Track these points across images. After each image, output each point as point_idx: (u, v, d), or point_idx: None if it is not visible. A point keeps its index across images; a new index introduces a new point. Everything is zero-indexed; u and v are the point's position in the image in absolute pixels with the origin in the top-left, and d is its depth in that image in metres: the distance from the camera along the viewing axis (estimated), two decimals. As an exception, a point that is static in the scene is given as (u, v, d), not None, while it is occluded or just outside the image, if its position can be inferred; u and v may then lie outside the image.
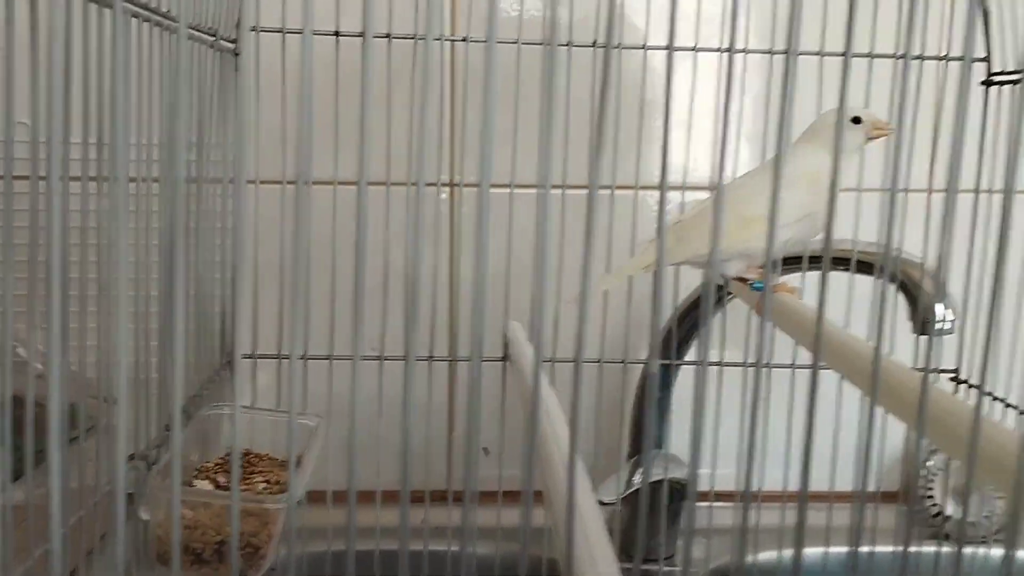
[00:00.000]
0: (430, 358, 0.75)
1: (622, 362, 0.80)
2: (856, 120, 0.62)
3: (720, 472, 0.78)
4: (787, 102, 0.31)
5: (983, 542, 0.79)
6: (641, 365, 0.81)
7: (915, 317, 0.72)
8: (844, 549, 0.79)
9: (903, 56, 0.32)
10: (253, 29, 0.68)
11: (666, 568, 0.83)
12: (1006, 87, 0.72)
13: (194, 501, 0.52)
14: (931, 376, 0.78)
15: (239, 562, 0.52)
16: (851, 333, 0.53)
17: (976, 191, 0.73)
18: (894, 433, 0.80)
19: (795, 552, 0.31)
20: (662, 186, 0.32)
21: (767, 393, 0.77)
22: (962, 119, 0.32)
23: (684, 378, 0.82)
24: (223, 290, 0.69)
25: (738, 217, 0.61)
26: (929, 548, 0.78)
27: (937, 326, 0.72)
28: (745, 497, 0.33)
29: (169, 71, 0.50)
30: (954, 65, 0.72)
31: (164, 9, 0.50)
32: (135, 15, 0.47)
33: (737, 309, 0.82)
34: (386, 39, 0.70)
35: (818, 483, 0.73)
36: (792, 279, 0.77)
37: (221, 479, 0.57)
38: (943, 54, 0.72)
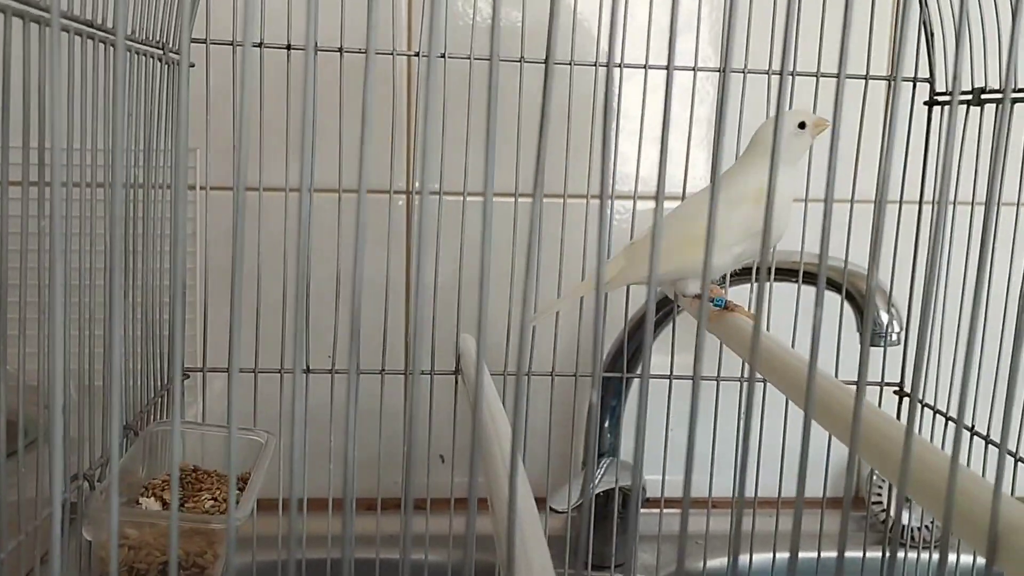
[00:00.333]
0: (382, 371, 0.75)
1: (573, 375, 0.81)
2: (802, 125, 0.63)
3: (671, 479, 0.79)
4: (721, 119, 0.32)
5: (926, 547, 0.80)
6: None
7: (862, 328, 0.73)
8: (803, 555, 0.80)
9: (837, 75, 0.33)
10: (204, 41, 0.68)
11: (616, 575, 0.84)
12: (948, 107, 0.74)
13: (138, 521, 0.51)
14: (873, 389, 0.80)
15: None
16: (790, 349, 0.54)
17: (919, 203, 0.75)
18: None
19: (729, 557, 0.32)
20: (601, 200, 0.32)
21: (715, 403, 0.78)
22: (891, 137, 0.33)
23: (637, 387, 0.83)
24: (171, 298, 0.68)
25: (688, 236, 0.61)
26: (873, 554, 0.80)
27: (884, 337, 0.73)
28: (684, 504, 0.34)
29: (120, 87, 0.51)
30: (902, 85, 0.74)
31: (109, 25, 0.52)
32: (79, 32, 0.48)
33: (690, 322, 0.83)
34: (337, 52, 0.70)
35: (767, 490, 0.74)
36: (742, 291, 0.78)
37: (167, 496, 0.56)
38: (891, 74, 0.73)
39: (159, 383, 0.67)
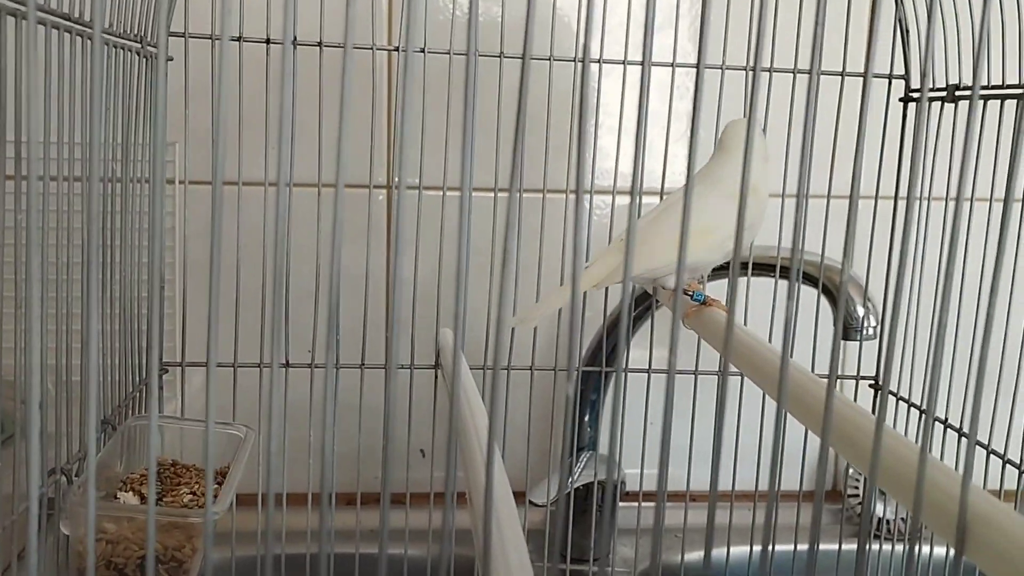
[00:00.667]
0: (362, 365, 0.75)
1: (553, 369, 0.81)
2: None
3: (650, 472, 0.80)
4: (696, 114, 0.32)
5: (901, 539, 0.81)
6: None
7: (836, 318, 0.74)
8: (781, 548, 0.81)
9: (809, 71, 0.33)
10: (183, 35, 0.68)
11: (596, 568, 0.84)
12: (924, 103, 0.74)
13: (116, 516, 0.51)
14: (849, 383, 0.80)
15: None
16: (766, 343, 0.54)
17: (895, 198, 0.76)
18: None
19: (705, 548, 0.32)
20: (577, 201, 0.32)
21: (693, 397, 0.79)
22: (862, 133, 0.34)
23: (620, 378, 0.83)
24: (149, 293, 0.68)
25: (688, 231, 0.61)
26: (849, 546, 0.81)
27: (860, 331, 0.74)
28: (659, 498, 0.34)
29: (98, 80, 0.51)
30: (876, 82, 0.74)
31: (87, 19, 0.52)
32: (55, 26, 0.48)
33: (669, 316, 0.83)
34: (317, 47, 0.70)
35: (745, 483, 0.75)
36: (720, 286, 0.78)
37: (146, 491, 0.56)
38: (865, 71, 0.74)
39: (138, 377, 0.67)
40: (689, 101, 0.89)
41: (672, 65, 0.75)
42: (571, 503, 0.83)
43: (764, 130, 0.72)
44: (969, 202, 0.64)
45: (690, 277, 0.67)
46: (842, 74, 0.73)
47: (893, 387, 0.76)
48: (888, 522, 0.88)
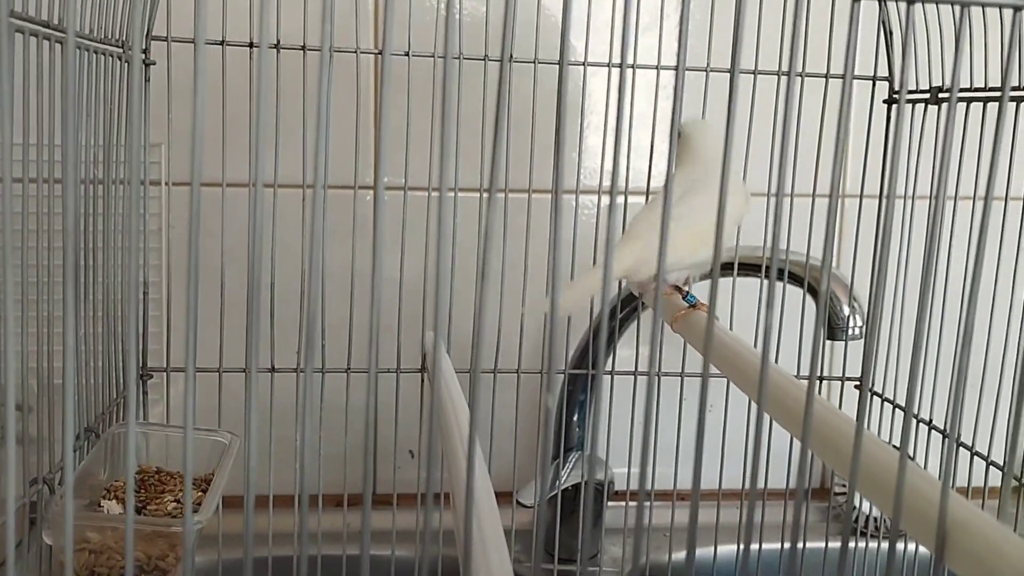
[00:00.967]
0: (347, 370, 0.75)
1: (539, 372, 0.81)
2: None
3: (638, 472, 0.80)
4: (676, 115, 0.32)
5: (886, 537, 0.82)
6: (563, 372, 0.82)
7: (821, 323, 0.74)
8: (766, 546, 0.81)
9: (787, 73, 0.33)
10: (165, 39, 0.68)
11: (588, 568, 0.84)
12: (907, 105, 0.75)
13: (99, 525, 0.51)
14: (834, 384, 0.80)
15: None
16: (750, 346, 0.54)
17: (879, 198, 0.76)
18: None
19: (688, 547, 0.32)
20: (554, 194, 0.32)
21: (679, 398, 0.79)
22: (843, 136, 0.34)
23: (605, 381, 0.83)
24: (132, 297, 0.67)
25: (693, 231, 0.61)
26: (836, 544, 0.81)
27: (845, 331, 0.74)
28: (640, 496, 0.34)
29: (71, 83, 0.51)
30: (859, 83, 0.75)
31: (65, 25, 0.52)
32: (34, 33, 0.48)
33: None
34: (300, 50, 0.70)
35: (732, 482, 0.75)
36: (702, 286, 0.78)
37: (130, 499, 0.55)
38: (845, 73, 0.74)
39: (122, 383, 0.67)
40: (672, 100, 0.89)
41: (657, 68, 0.75)
42: (559, 503, 0.83)
43: (748, 132, 0.72)
44: (953, 201, 0.65)
45: (689, 276, 0.66)
46: (826, 76, 0.73)
47: (877, 387, 0.76)
48: (875, 519, 0.89)
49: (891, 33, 0.74)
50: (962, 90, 0.67)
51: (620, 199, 0.84)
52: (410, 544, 0.79)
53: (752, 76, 0.74)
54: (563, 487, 0.82)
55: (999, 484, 0.65)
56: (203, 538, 0.69)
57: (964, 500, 0.33)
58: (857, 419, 0.35)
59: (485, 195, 0.73)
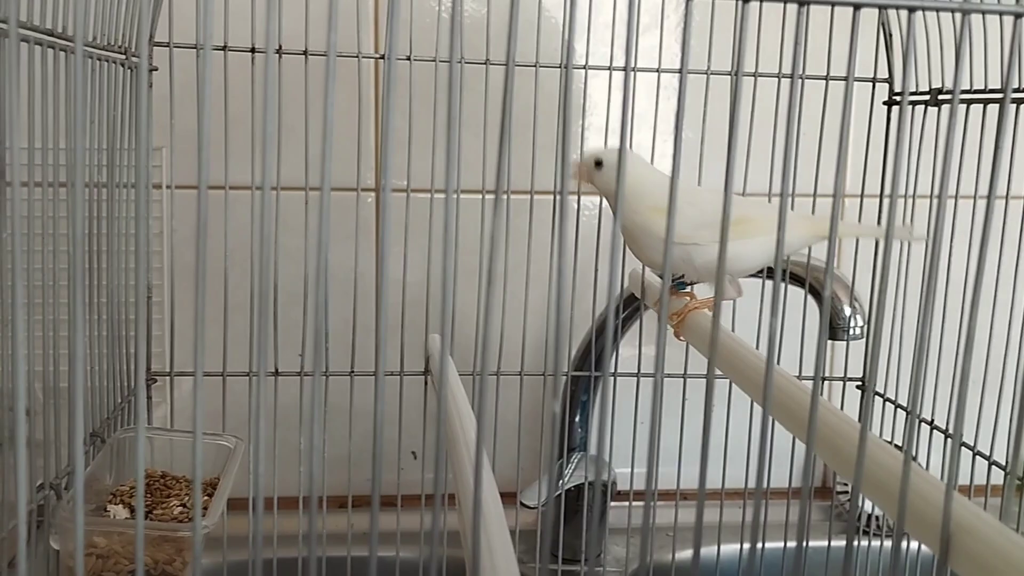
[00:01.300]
0: (351, 372, 0.75)
1: (542, 375, 0.81)
2: (599, 164, 0.62)
3: (640, 472, 0.80)
4: (679, 117, 0.32)
5: (889, 536, 0.82)
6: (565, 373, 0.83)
7: (820, 324, 0.74)
8: (771, 545, 0.82)
9: (790, 76, 0.33)
10: (167, 45, 0.68)
11: (593, 568, 0.85)
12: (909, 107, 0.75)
13: (106, 531, 0.51)
14: (836, 384, 0.80)
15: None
16: (752, 348, 0.54)
17: (880, 199, 0.76)
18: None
19: (694, 546, 0.32)
20: (563, 196, 0.32)
21: (682, 398, 0.79)
22: (844, 139, 0.34)
23: (607, 383, 0.83)
24: (137, 301, 0.68)
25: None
26: (839, 542, 0.81)
27: (847, 332, 0.74)
28: (647, 496, 0.34)
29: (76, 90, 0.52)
30: (859, 85, 0.75)
31: (70, 34, 0.52)
32: (39, 43, 0.48)
33: (656, 321, 0.84)
34: (303, 55, 0.70)
35: (735, 481, 0.75)
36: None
37: (136, 503, 0.56)
38: (847, 75, 0.74)
39: (126, 387, 0.67)
40: (675, 101, 0.89)
41: (658, 71, 0.75)
42: (563, 504, 0.83)
43: (749, 134, 0.73)
44: (953, 202, 0.65)
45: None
46: (826, 78, 0.73)
47: (879, 388, 0.76)
48: (877, 518, 0.89)
49: (891, 35, 0.74)
50: (961, 92, 0.67)
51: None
52: (413, 546, 0.79)
53: (752, 79, 0.74)
54: (566, 487, 0.82)
55: (1000, 483, 0.65)
56: (207, 541, 0.69)
57: (968, 502, 0.33)
58: (861, 422, 0.35)
59: (488, 197, 0.74)
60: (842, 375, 0.80)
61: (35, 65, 0.49)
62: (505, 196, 0.76)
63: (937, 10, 0.32)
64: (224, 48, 0.69)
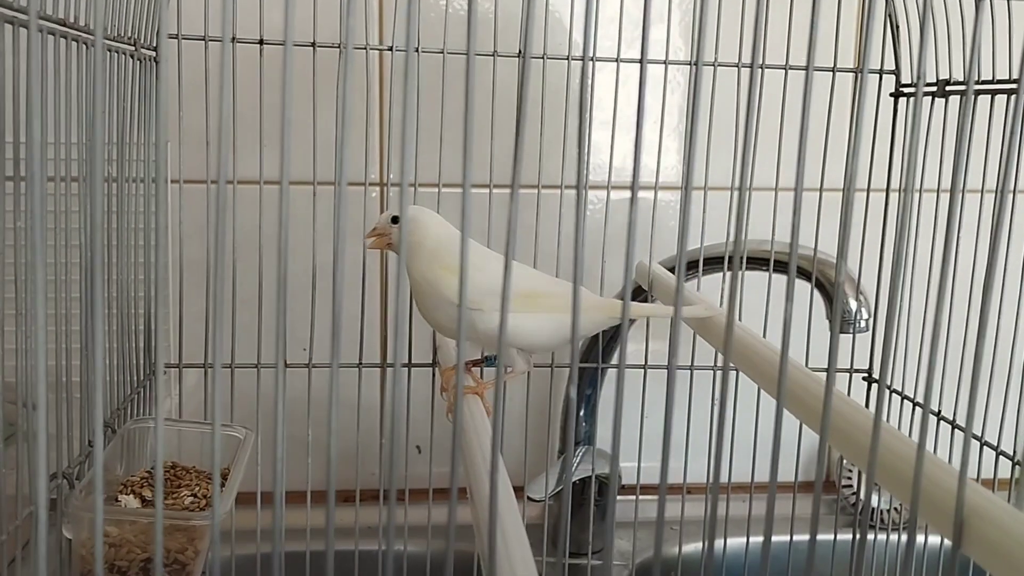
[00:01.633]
0: (359, 364, 0.75)
1: (549, 366, 0.82)
2: (395, 220, 0.62)
3: (646, 466, 0.80)
4: (695, 111, 0.32)
5: (895, 529, 0.82)
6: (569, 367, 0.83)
7: (832, 315, 0.74)
8: (777, 538, 0.82)
9: (805, 68, 0.33)
10: (175, 37, 0.68)
11: (594, 562, 0.85)
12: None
13: (119, 519, 0.51)
14: (842, 376, 0.81)
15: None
16: (761, 338, 0.54)
17: (887, 191, 0.76)
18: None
19: (707, 540, 0.33)
20: (578, 191, 0.33)
21: (689, 391, 0.79)
22: (859, 130, 0.34)
23: (612, 375, 0.83)
24: (147, 294, 0.68)
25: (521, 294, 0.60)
26: (844, 536, 0.82)
27: (853, 324, 0.75)
28: (661, 490, 0.34)
29: (90, 82, 0.52)
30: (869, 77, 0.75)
31: (83, 24, 0.52)
32: (51, 32, 0.48)
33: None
34: (311, 47, 0.70)
35: (741, 475, 0.75)
36: (714, 280, 0.79)
37: (147, 493, 0.56)
38: (857, 67, 0.75)
39: (135, 379, 0.67)
40: (681, 95, 0.89)
41: (665, 63, 0.75)
42: (569, 497, 0.84)
43: (757, 125, 0.73)
44: (962, 194, 0.65)
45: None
46: (833, 70, 0.74)
47: (887, 381, 0.76)
48: (882, 512, 0.89)
49: (897, 27, 0.74)
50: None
51: (627, 194, 0.85)
52: (420, 540, 0.80)
53: (760, 70, 0.74)
54: (571, 480, 0.82)
55: (1007, 474, 0.65)
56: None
57: (980, 487, 0.33)
58: (875, 413, 0.36)
59: (495, 191, 0.74)
60: (848, 367, 0.81)
61: (47, 55, 0.49)
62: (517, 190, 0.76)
63: None
64: (233, 40, 0.69)
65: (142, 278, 0.66)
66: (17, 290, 0.47)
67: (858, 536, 0.85)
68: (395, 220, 0.62)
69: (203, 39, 0.68)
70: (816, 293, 0.77)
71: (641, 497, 0.81)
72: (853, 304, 0.75)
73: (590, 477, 0.84)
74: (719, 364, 0.79)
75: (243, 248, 0.73)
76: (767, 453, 0.33)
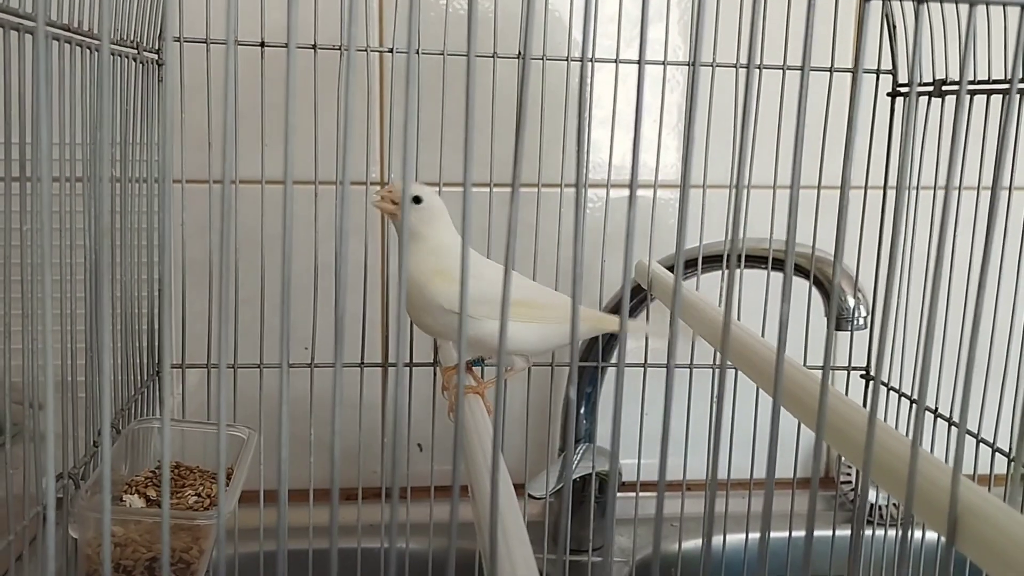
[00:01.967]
0: (361, 364, 0.76)
1: (549, 365, 0.82)
2: (417, 200, 0.60)
3: (645, 463, 0.81)
4: (692, 111, 0.33)
5: (893, 525, 0.83)
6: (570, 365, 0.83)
7: (828, 314, 0.75)
8: (776, 534, 0.83)
9: (801, 68, 0.34)
10: (177, 39, 0.68)
11: (594, 558, 0.86)
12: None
13: (124, 519, 0.52)
14: (840, 373, 0.81)
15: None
16: (759, 336, 0.55)
17: (884, 190, 0.77)
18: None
19: (705, 538, 0.33)
20: (578, 189, 0.33)
21: (688, 389, 0.80)
22: (854, 126, 0.34)
23: (612, 373, 0.84)
24: (150, 294, 0.68)
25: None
26: (843, 532, 0.82)
27: (851, 321, 0.75)
28: (660, 487, 0.35)
29: (94, 86, 0.52)
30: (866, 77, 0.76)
31: (87, 28, 0.52)
32: (56, 37, 0.49)
33: (663, 310, 0.84)
34: (311, 49, 0.71)
35: (739, 471, 0.76)
36: (712, 279, 0.79)
37: (151, 493, 0.56)
38: (854, 67, 0.75)
39: (139, 380, 0.67)
40: (680, 93, 0.90)
41: (664, 63, 0.76)
42: (570, 494, 0.84)
43: (755, 124, 0.73)
44: (957, 192, 0.66)
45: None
46: (830, 70, 0.74)
47: (883, 376, 0.77)
48: (880, 508, 0.90)
49: (894, 27, 0.74)
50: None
51: (627, 191, 0.85)
52: (422, 537, 0.80)
53: (758, 71, 0.74)
54: (572, 478, 0.83)
55: (1003, 471, 0.66)
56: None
57: (974, 485, 0.34)
58: (870, 411, 0.36)
59: (495, 190, 0.74)
60: (846, 364, 0.81)
61: (52, 61, 0.49)
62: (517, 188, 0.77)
63: (943, 0, 0.33)
64: (235, 43, 0.69)
65: (145, 278, 0.67)
66: (23, 291, 0.47)
67: (855, 532, 0.85)
68: (417, 200, 0.59)
69: (205, 42, 0.69)
70: (815, 291, 0.78)
71: (641, 494, 0.82)
72: (851, 301, 0.75)
73: (590, 474, 0.84)
74: (718, 363, 0.80)
75: (245, 248, 0.73)
76: (766, 449, 0.34)
